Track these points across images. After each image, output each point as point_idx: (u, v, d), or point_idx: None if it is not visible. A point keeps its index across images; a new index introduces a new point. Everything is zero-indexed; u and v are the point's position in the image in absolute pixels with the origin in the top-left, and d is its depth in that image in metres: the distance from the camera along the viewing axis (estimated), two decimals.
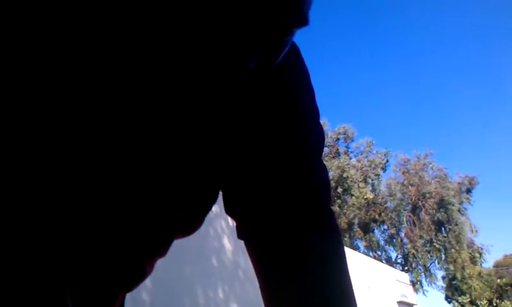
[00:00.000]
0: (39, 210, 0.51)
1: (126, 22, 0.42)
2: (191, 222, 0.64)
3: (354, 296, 0.63)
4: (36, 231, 0.51)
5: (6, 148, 0.47)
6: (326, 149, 28.85)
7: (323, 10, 47.67)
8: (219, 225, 7.17)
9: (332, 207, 0.68)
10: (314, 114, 0.68)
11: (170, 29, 0.41)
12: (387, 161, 29.99)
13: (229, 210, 0.67)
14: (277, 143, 0.62)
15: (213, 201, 0.64)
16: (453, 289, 30.47)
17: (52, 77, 0.47)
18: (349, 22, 51.97)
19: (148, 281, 5.75)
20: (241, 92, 0.58)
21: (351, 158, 29.15)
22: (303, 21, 0.46)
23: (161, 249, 0.66)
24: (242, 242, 0.68)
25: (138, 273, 0.66)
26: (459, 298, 30.49)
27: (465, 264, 29.17)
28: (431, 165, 30.58)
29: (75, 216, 0.53)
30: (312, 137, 0.66)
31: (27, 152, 0.48)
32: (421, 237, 29.23)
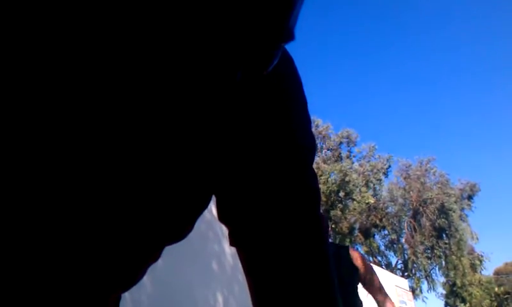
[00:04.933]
0: (36, 210, 0.51)
1: (126, 22, 0.43)
2: (181, 228, 0.64)
3: (339, 303, 0.64)
4: (31, 231, 0.52)
5: (3, 146, 0.47)
6: (328, 153, 28.87)
7: (328, 14, 47.72)
8: (219, 228, 7.16)
9: (323, 215, 0.69)
10: (306, 123, 0.68)
11: (165, 32, 0.42)
12: (389, 166, 29.97)
13: (222, 217, 0.68)
14: (270, 152, 0.62)
15: (204, 207, 0.64)
16: (453, 296, 30.40)
17: (52, 77, 0.46)
18: (354, 27, 52.03)
19: (147, 283, 5.76)
20: (236, 99, 0.59)
21: (353, 163, 29.12)
22: (289, 37, 0.47)
23: (152, 255, 0.66)
24: None
25: (129, 278, 0.66)
26: (459, 305, 30.41)
27: (465, 271, 29.11)
28: (432, 171, 30.57)
29: (70, 218, 0.53)
30: (304, 146, 0.66)
31: (25, 151, 0.48)
32: (422, 243, 29.18)
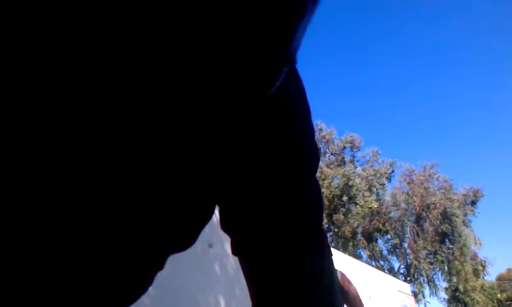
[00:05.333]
0: (40, 217, 0.51)
1: (128, 23, 0.42)
2: (186, 237, 0.65)
3: None
4: (38, 235, 0.52)
5: (5, 148, 0.47)
6: (332, 157, 28.87)
7: (332, 19, 47.77)
8: (223, 232, 7.14)
9: (324, 226, 0.69)
10: (310, 133, 0.68)
11: (168, 36, 0.42)
12: (392, 171, 29.97)
13: (225, 226, 0.68)
14: (273, 163, 0.62)
15: (208, 217, 0.65)
16: (456, 301, 30.29)
17: (53, 78, 0.46)
18: (359, 31, 52.06)
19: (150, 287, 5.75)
20: (238, 113, 0.59)
21: (356, 167, 29.11)
22: (290, 61, 0.47)
23: (157, 264, 0.66)
24: None
25: (135, 288, 0.66)
26: None
27: (468, 276, 29.01)
28: (436, 176, 30.54)
29: (76, 227, 0.54)
30: (308, 157, 0.66)
31: (27, 152, 0.48)
32: (424, 248, 29.13)
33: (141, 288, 0.67)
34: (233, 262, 7.51)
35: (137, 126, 0.50)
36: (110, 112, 0.48)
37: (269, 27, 0.42)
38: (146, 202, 0.56)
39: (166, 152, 0.54)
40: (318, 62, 49.18)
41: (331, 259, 0.67)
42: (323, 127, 29.00)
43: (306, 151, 0.67)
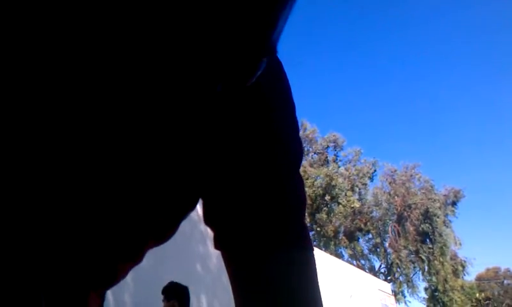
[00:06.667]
0: (18, 207, 0.52)
1: (124, 24, 0.42)
2: (165, 229, 0.64)
3: None
4: (13, 229, 0.53)
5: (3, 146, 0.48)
6: (315, 157, 28.99)
7: (317, 18, 47.93)
8: (205, 229, 7.13)
9: (306, 222, 0.69)
10: (293, 129, 0.68)
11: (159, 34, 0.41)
12: (375, 171, 30.21)
13: (208, 219, 0.68)
14: (256, 157, 0.62)
15: (189, 209, 0.64)
16: (435, 301, 30.64)
17: (50, 78, 0.47)
18: (344, 30, 52.29)
19: (130, 283, 5.73)
20: (222, 105, 0.59)
21: (339, 167, 29.29)
22: (271, 51, 0.46)
23: (134, 256, 0.66)
24: None
25: (110, 276, 0.66)
26: None
27: (448, 276, 29.36)
28: (417, 176, 30.84)
29: (51, 216, 0.54)
30: (290, 152, 0.66)
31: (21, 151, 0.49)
32: (405, 247, 29.41)
33: (115, 277, 0.67)
34: (215, 261, 7.51)
35: (121, 120, 0.50)
36: (92, 104, 0.49)
37: (249, 17, 0.42)
38: (127, 192, 0.57)
39: (148, 144, 0.54)
40: (302, 60, 49.32)
41: (313, 254, 0.67)
42: (307, 126, 29.13)
43: (289, 145, 0.67)
